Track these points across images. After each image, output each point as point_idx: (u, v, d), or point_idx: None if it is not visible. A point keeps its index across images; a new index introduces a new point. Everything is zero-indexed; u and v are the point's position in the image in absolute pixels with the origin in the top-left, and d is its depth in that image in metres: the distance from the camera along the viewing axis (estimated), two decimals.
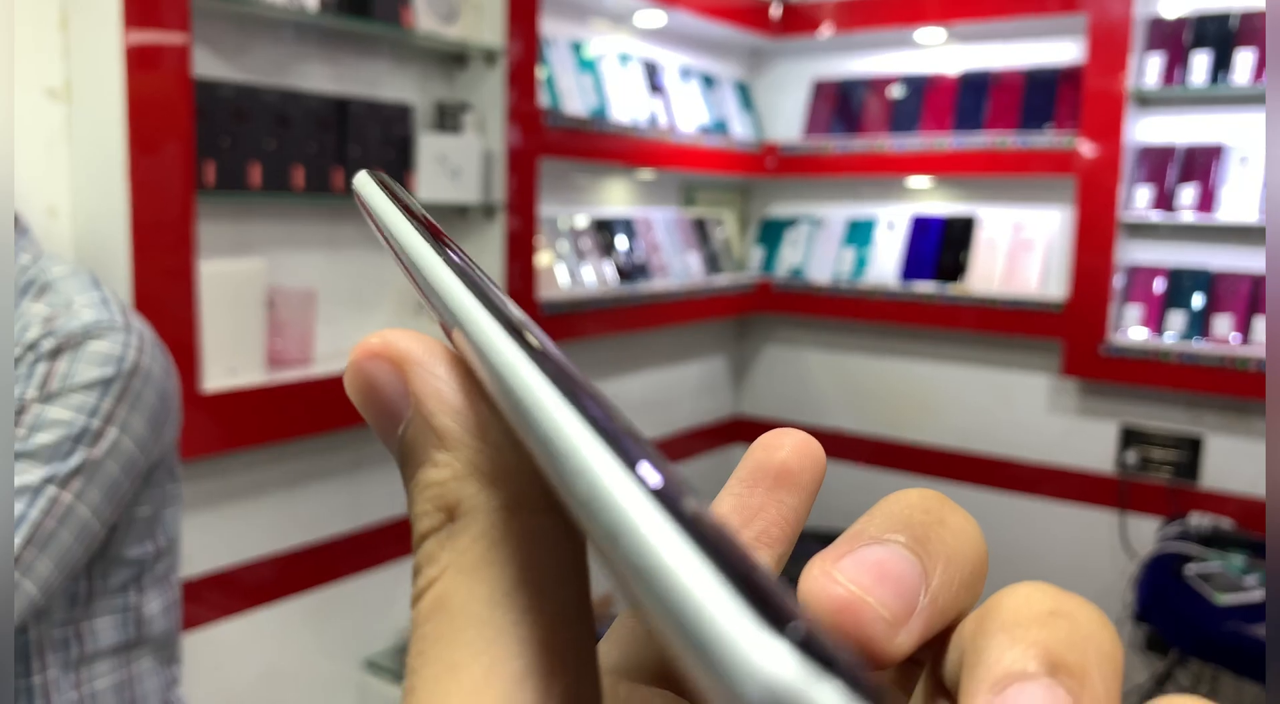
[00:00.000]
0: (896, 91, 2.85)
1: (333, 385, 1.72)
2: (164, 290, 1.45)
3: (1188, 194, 2.40)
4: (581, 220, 2.49)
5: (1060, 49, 2.62)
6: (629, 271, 2.55)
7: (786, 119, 3.08)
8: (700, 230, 2.91)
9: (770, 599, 0.10)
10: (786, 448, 0.21)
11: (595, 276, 2.45)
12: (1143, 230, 2.52)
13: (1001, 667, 0.14)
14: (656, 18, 2.61)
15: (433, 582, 0.16)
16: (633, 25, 2.64)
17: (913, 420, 2.89)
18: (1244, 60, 2.32)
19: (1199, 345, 2.36)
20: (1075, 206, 2.50)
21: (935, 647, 0.16)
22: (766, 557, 0.20)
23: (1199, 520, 2.36)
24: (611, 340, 2.61)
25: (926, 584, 0.16)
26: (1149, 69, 2.43)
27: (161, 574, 1.03)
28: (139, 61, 1.40)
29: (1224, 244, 2.43)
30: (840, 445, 2.98)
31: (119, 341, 0.93)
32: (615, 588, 0.12)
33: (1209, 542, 2.24)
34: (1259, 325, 2.33)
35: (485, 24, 1.98)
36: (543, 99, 2.18)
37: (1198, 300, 2.41)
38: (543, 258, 2.28)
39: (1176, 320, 2.43)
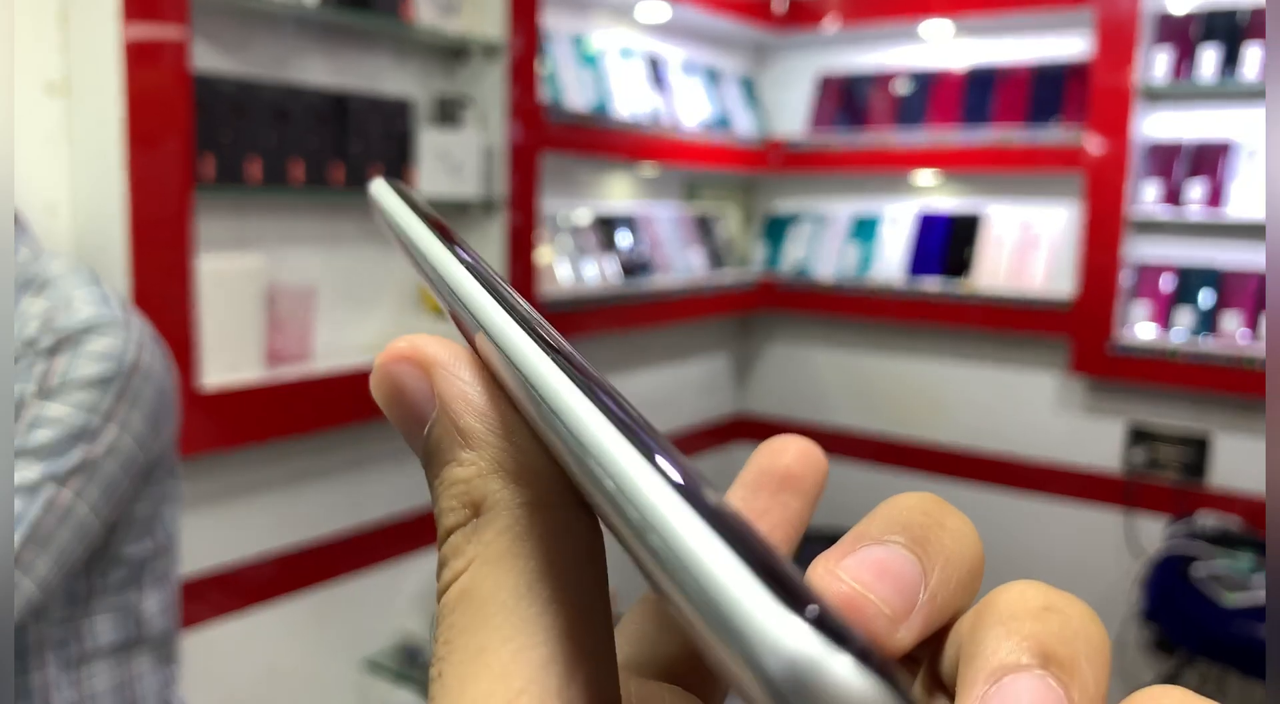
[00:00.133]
0: (902, 86, 2.83)
1: (332, 382, 1.71)
2: (163, 286, 1.44)
3: (1196, 190, 2.38)
4: (583, 216, 2.47)
5: (1068, 44, 2.61)
6: (631, 268, 2.54)
7: (791, 114, 3.06)
8: (703, 226, 2.90)
9: (789, 583, 0.11)
10: (790, 453, 0.22)
11: (597, 273, 2.43)
12: (1151, 227, 2.50)
13: (997, 658, 0.14)
14: (659, 11, 2.59)
15: (459, 574, 0.17)
16: (635, 19, 2.63)
17: (918, 419, 2.88)
18: (1253, 55, 2.30)
19: (1207, 343, 2.34)
20: (1083, 203, 2.48)
21: (933, 644, 0.17)
22: None
23: (1206, 520, 2.34)
24: (614, 338, 2.59)
25: (926, 582, 0.16)
26: (1157, 64, 2.41)
27: (160, 573, 1.03)
28: (138, 56, 1.39)
29: (1233, 241, 2.41)
30: (844, 444, 2.96)
31: (119, 338, 0.92)
32: (642, 575, 0.13)
33: (1216, 541, 2.23)
34: None
35: (486, 18, 1.97)
36: (544, 94, 2.17)
37: (1206, 298, 2.39)
38: (544, 254, 2.27)
39: (1184, 318, 2.41)
